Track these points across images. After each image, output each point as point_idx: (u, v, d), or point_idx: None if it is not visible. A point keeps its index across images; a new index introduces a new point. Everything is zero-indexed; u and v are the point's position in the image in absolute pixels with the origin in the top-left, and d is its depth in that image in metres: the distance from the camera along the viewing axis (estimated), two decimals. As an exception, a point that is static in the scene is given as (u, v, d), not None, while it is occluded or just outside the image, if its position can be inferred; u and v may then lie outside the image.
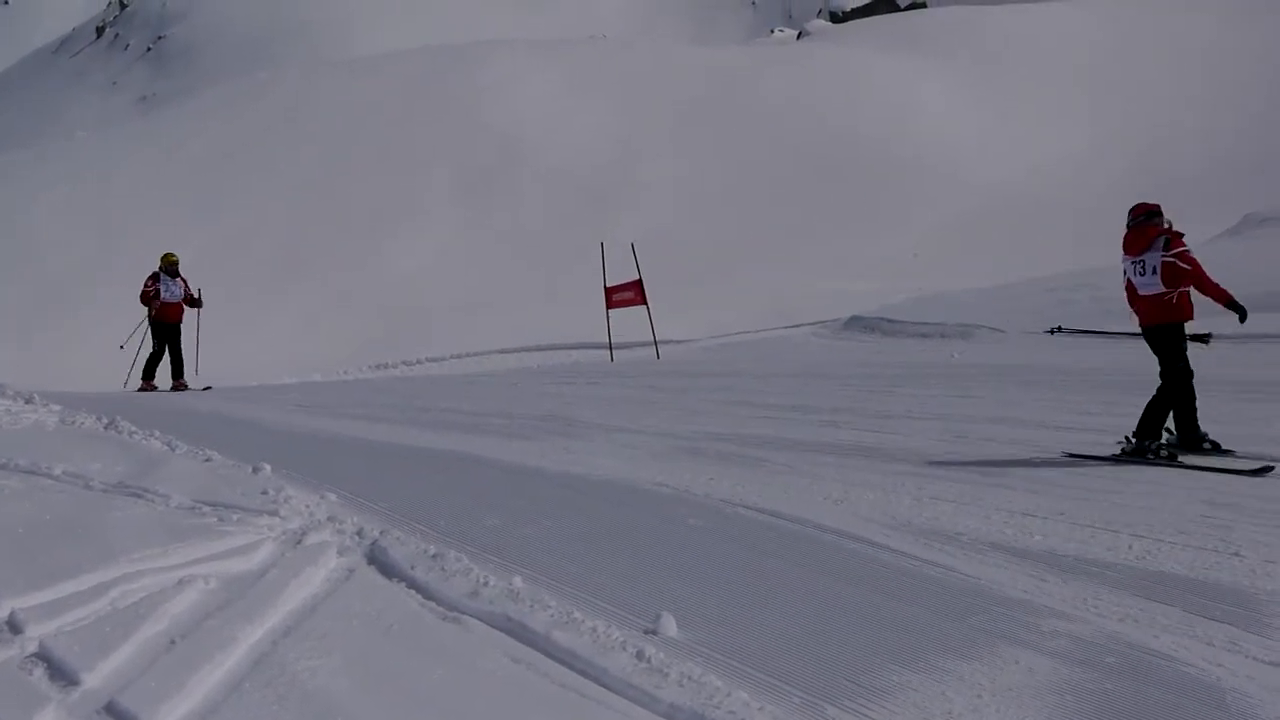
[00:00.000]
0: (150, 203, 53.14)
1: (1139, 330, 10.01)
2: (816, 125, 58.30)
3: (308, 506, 7.63)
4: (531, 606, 5.36)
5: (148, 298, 22.17)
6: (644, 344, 26.49)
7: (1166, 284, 9.50)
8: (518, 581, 5.73)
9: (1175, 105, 57.84)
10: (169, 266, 22.39)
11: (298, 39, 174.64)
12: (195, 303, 23.02)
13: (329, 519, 7.32)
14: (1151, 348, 9.84)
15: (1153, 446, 9.02)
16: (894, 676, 4.54)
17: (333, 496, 8.09)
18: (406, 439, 12.28)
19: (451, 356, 30.92)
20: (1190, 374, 9.49)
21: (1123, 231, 9.87)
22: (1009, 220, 48.07)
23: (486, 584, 5.71)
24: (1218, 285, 9.42)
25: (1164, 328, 9.70)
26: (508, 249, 46.93)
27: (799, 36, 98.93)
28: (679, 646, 4.91)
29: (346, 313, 38.50)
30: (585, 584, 5.85)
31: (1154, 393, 9.52)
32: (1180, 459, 8.84)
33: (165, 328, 22.13)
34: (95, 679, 4.54)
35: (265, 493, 7.92)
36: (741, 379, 17.58)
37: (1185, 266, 9.49)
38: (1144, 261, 9.69)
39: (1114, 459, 9.05)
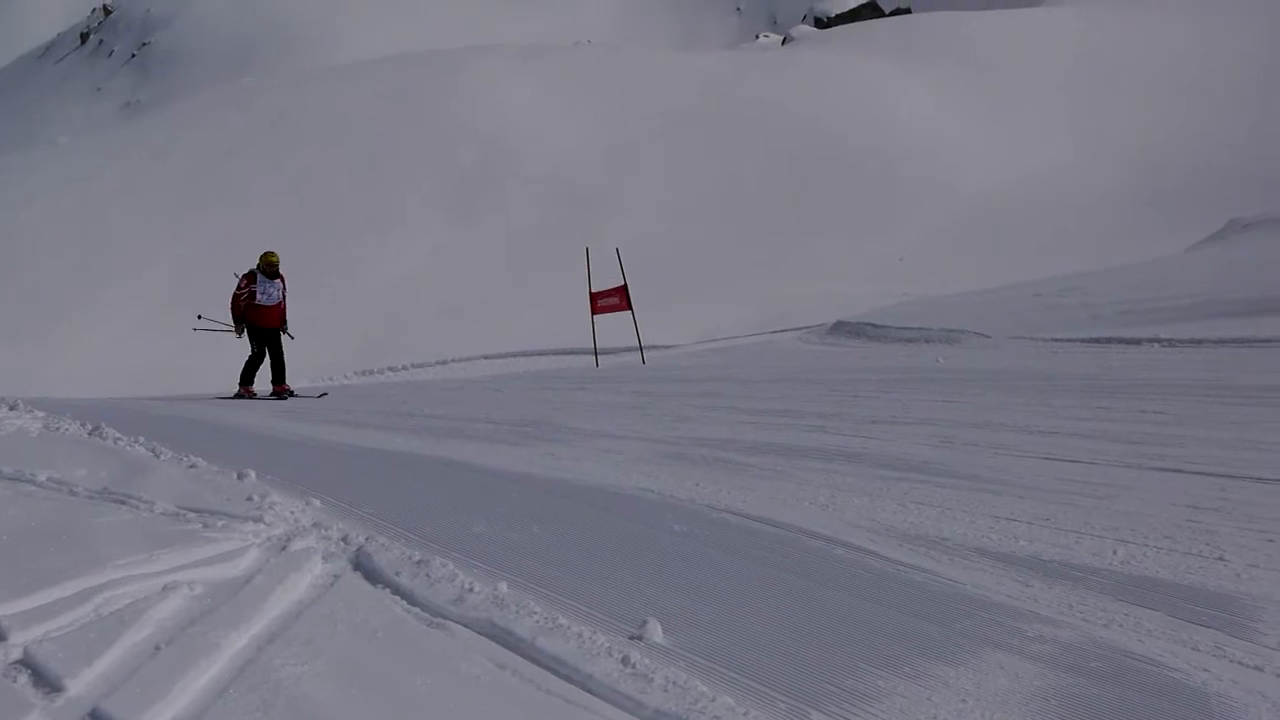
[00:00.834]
0: (135, 209, 53.14)
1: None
2: (801, 131, 58.47)
3: (292, 513, 7.63)
4: (516, 612, 5.35)
5: (238, 303, 20.36)
6: (629, 349, 26.54)
7: None
8: (503, 587, 5.73)
9: (1162, 111, 58.09)
10: (268, 267, 20.51)
11: (281, 45, 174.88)
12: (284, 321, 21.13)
13: (314, 525, 7.31)
14: None
15: None
16: (879, 682, 4.55)
17: (317, 503, 8.08)
18: (391, 445, 12.27)
19: (436, 362, 31.00)
20: None
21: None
22: (996, 226, 48.26)
23: (471, 590, 5.71)
24: None
25: None
26: (493, 255, 46.98)
27: (784, 42, 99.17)
28: (664, 652, 4.91)
29: (331, 319, 38.48)
30: (570, 590, 5.85)
31: None
32: None
33: (264, 332, 20.51)
34: (79, 686, 4.53)
35: (250, 499, 7.91)
36: (727, 384, 17.60)
37: None
38: None
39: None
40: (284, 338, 20.85)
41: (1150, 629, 5.03)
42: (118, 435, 12.01)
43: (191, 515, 7.36)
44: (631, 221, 47.43)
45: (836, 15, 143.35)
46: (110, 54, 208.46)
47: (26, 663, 4.79)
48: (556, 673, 4.70)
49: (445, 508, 8.25)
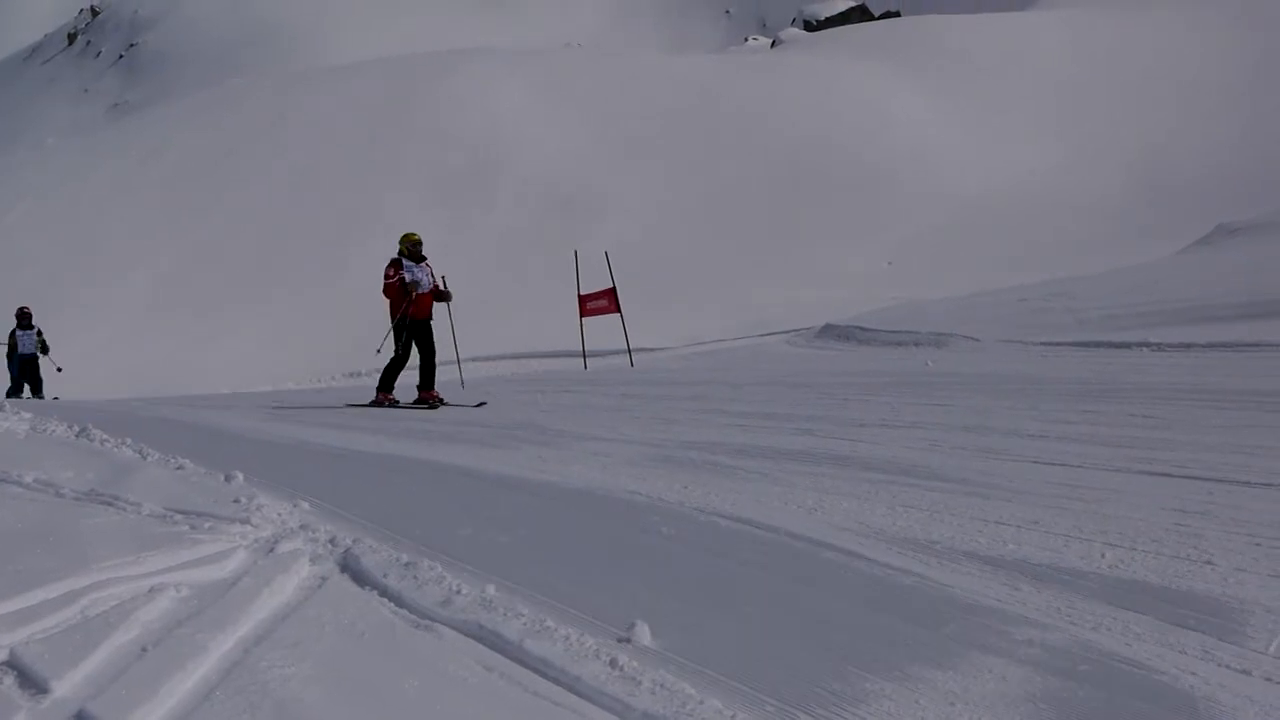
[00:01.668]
0: (122, 211, 53.13)
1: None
2: (790, 134, 58.53)
3: (280, 515, 7.62)
4: (504, 615, 5.35)
5: (396, 290, 17.59)
6: (618, 352, 26.54)
7: None
8: (491, 590, 5.72)
9: (1151, 115, 58.21)
10: (412, 248, 17.92)
11: (270, 47, 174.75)
12: (444, 295, 18.61)
13: (301, 527, 7.31)
14: None
15: None
16: (867, 685, 4.55)
17: (305, 505, 8.07)
18: (380, 447, 12.27)
19: (425, 365, 30.91)
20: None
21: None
22: (985, 230, 48.32)
23: (459, 592, 5.70)
24: None
25: None
26: (481, 258, 46.98)
27: (773, 45, 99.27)
28: (652, 655, 4.91)
29: (320, 321, 38.53)
30: (558, 592, 5.84)
31: None
32: None
33: (414, 325, 17.72)
34: (65, 687, 4.52)
35: (237, 501, 7.90)
36: (715, 387, 17.59)
37: None
38: None
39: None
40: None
41: (1138, 632, 5.03)
42: (105, 437, 12.00)
43: (179, 517, 7.35)
44: (621, 225, 47.42)
45: (825, 18, 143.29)
46: (98, 55, 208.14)
47: (12, 664, 4.78)
48: (544, 675, 4.69)
49: (433, 510, 8.25)
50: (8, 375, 28.16)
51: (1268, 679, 4.45)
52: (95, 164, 61.44)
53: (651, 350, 28.31)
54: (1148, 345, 17.53)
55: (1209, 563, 5.99)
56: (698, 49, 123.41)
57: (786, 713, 4.31)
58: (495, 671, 4.75)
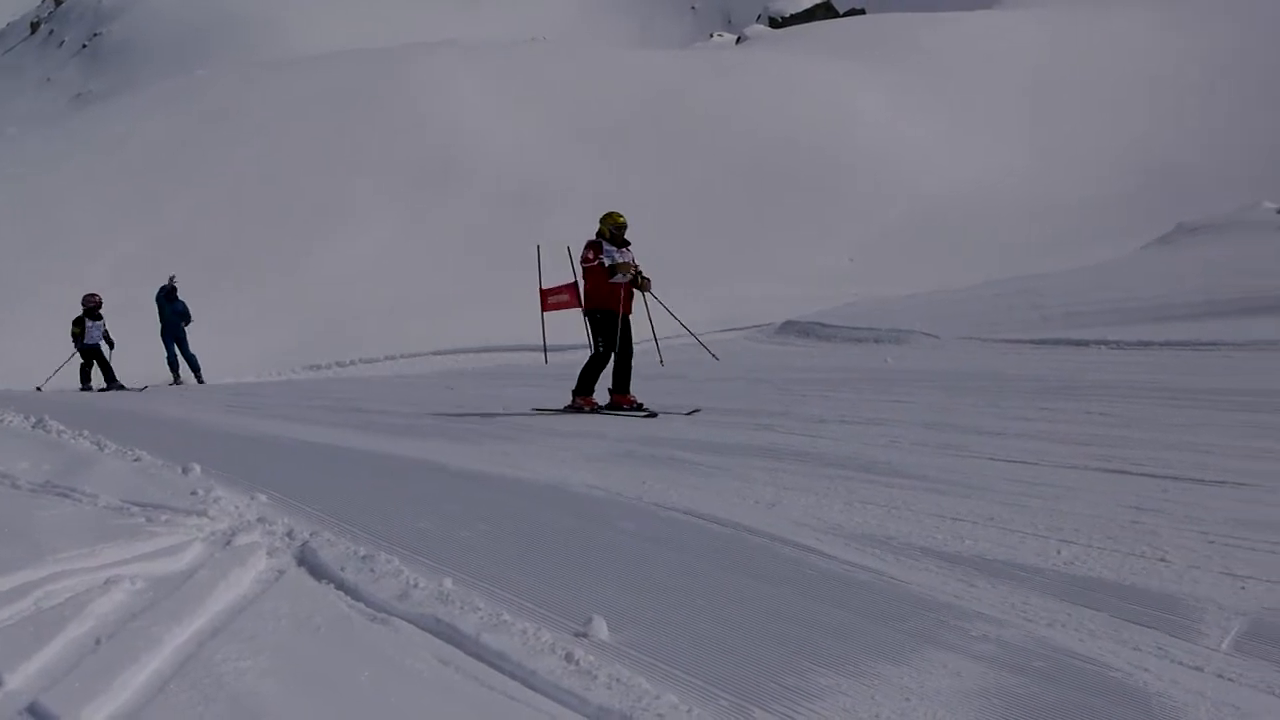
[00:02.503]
0: (83, 201, 52.73)
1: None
2: (754, 130, 58.54)
3: (237, 507, 7.59)
4: (461, 609, 5.34)
5: (598, 275, 14.81)
6: (579, 347, 26.48)
7: None
8: (448, 584, 5.71)
9: (1115, 114, 58.39)
10: (615, 230, 15.03)
11: (234, 38, 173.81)
12: (643, 284, 15.32)
13: (259, 520, 7.28)
14: None
15: None
16: (822, 680, 4.55)
17: (263, 498, 8.04)
18: (339, 440, 12.24)
19: (385, 358, 30.87)
20: None
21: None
22: (950, 228, 48.42)
23: (416, 586, 5.69)
24: None
25: None
26: (443, 251, 46.86)
27: (738, 41, 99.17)
28: (609, 649, 4.90)
29: (280, 314, 38.32)
30: (516, 587, 5.83)
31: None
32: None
33: (611, 319, 14.75)
34: (18, 679, 4.48)
35: (194, 493, 7.87)
36: (675, 382, 17.60)
37: None
38: None
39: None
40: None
41: (1093, 629, 5.05)
42: (61, 428, 11.95)
43: (135, 509, 7.32)
44: (582, 219, 47.19)
45: (791, 15, 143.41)
46: (61, 44, 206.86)
47: (-35, 656, 4.74)
48: (500, 669, 4.68)
49: (392, 504, 8.23)
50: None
51: (1220, 675, 4.47)
52: (57, 154, 61.01)
53: (613, 345, 28.27)
54: (1107, 343, 17.65)
55: (1164, 560, 6.02)
56: (663, 45, 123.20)
57: (742, 707, 4.31)
58: (451, 665, 4.74)
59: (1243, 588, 5.53)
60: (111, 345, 27.42)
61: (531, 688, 4.49)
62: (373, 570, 5.99)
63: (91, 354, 26.57)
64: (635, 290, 15.17)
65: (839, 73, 65.55)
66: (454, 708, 4.31)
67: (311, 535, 6.76)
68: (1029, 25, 72.78)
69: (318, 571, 6.10)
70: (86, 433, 11.55)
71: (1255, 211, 31.67)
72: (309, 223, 49.66)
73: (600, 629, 5.09)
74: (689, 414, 13.31)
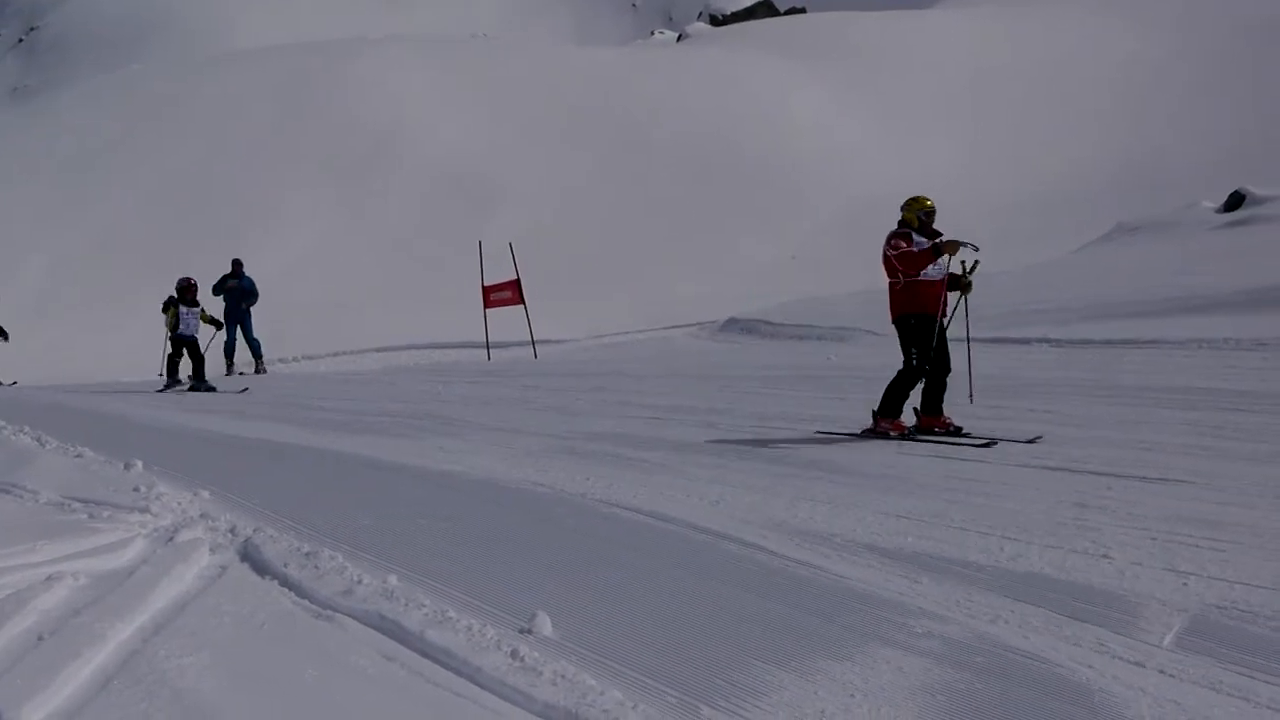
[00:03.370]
0: (17, 197, 52.15)
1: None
2: (694, 128, 58.57)
3: (180, 503, 7.55)
4: (406, 605, 5.32)
5: (914, 263, 11.47)
6: (522, 344, 26.48)
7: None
8: (392, 580, 5.69)
9: (1056, 115, 58.71)
10: (924, 217, 12.12)
11: (172, 32, 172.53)
12: (965, 285, 11.97)
13: (201, 516, 7.24)
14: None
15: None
16: (767, 676, 4.55)
17: (205, 494, 8.00)
18: (281, 437, 12.18)
19: (328, 355, 30.68)
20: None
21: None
22: (887, 226, 48.53)
23: (360, 582, 5.67)
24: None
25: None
26: (384, 247, 46.68)
27: (679, 39, 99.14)
28: (554, 646, 4.89)
29: (217, 310, 38.11)
30: (460, 583, 5.81)
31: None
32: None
33: (929, 325, 11.51)
34: (-42, 677, 4.44)
35: (137, 489, 7.82)
36: (619, 379, 17.60)
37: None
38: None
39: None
40: None
41: (1035, 625, 5.08)
42: (2, 424, 11.84)
43: (77, 505, 7.27)
44: (524, 216, 47.22)
45: (732, 13, 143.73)
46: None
47: (-97, 654, 4.69)
48: (445, 665, 4.66)
49: (335, 500, 8.19)
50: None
51: (1161, 671, 4.50)
52: (-7, 148, 60.50)
53: (555, 342, 28.24)
54: (1048, 341, 17.75)
55: (1106, 556, 6.06)
56: (604, 42, 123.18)
57: (687, 703, 4.30)
58: (396, 662, 4.72)
59: (1185, 584, 5.57)
60: (219, 326, 25.68)
61: (477, 684, 4.47)
62: (316, 567, 5.96)
63: (185, 344, 23.66)
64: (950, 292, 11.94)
65: (780, 71, 65.66)
66: (400, 705, 4.29)
67: (254, 531, 6.73)
68: (968, 25, 73.10)
69: (261, 568, 6.07)
70: (27, 429, 11.46)
71: (1194, 211, 31.99)
72: (248, 218, 49.26)
73: (544, 625, 5.08)
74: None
